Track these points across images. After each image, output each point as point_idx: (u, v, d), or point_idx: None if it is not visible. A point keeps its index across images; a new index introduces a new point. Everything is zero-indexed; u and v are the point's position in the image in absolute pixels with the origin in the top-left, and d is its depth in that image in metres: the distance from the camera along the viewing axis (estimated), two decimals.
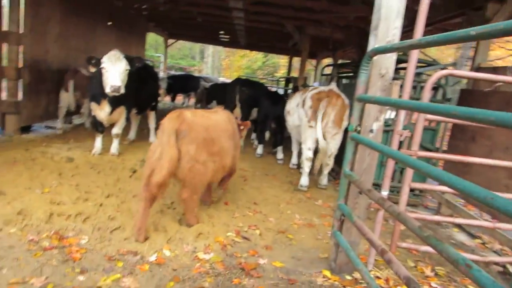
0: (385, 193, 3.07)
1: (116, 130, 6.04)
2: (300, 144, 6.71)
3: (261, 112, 7.18)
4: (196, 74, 22.22)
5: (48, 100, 7.61)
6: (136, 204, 4.10)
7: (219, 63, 42.78)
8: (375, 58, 2.97)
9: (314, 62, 18.46)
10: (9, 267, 2.64)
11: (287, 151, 7.50)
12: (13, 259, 2.75)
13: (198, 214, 4.03)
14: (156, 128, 7.52)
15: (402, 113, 3.14)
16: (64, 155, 5.71)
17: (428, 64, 5.45)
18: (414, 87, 5.29)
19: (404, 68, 5.46)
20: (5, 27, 6.58)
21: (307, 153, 5.37)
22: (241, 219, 4.10)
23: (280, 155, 7.11)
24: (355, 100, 3.06)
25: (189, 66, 34.75)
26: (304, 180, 5.47)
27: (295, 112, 5.79)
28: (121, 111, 5.87)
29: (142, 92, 6.39)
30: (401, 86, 3.16)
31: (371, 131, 3.12)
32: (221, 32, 15.92)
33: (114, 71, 5.17)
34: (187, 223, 3.69)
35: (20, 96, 6.86)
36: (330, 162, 5.54)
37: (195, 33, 17.00)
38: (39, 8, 6.98)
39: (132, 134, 7.41)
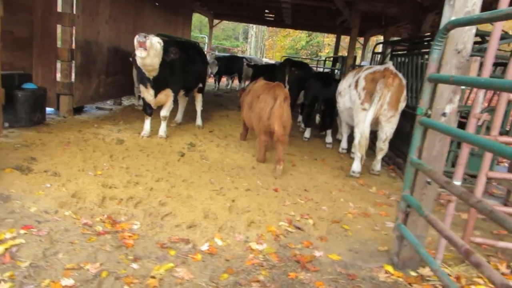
0: (458, 183, 2.76)
1: (164, 112, 6.01)
2: (350, 127, 6.40)
3: (310, 94, 6.89)
4: (239, 55, 22.03)
5: (99, 82, 7.74)
6: (185, 189, 4.05)
7: (262, 43, 42.24)
8: (451, 32, 2.63)
9: (361, 40, 17.67)
10: (64, 251, 2.64)
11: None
12: (68, 243, 2.75)
13: (248, 200, 3.91)
14: (203, 111, 7.56)
15: (481, 94, 2.79)
16: (115, 137, 5.78)
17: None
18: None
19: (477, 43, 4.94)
20: (59, 8, 6.68)
21: (360, 137, 5.07)
22: (293, 207, 3.93)
23: (329, 138, 6.83)
24: (425, 80, 2.74)
25: (233, 47, 34.56)
26: (356, 166, 5.19)
27: (347, 93, 5.46)
28: (168, 93, 5.82)
29: (189, 73, 6.30)
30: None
31: (444, 114, 2.79)
32: (267, 11, 15.53)
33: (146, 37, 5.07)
34: (280, 160, 4.98)
35: (73, 77, 7.01)
36: (385, 147, 5.20)
37: (240, 12, 16.72)
38: None
39: (179, 117, 7.39)
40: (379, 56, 8.67)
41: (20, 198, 3.40)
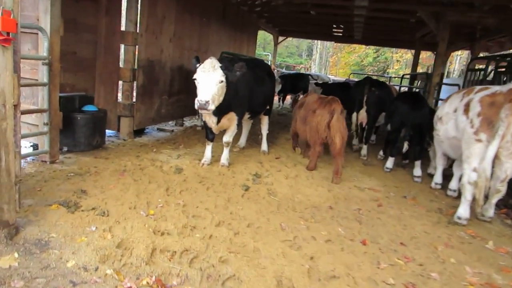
0: None
1: (227, 138, 5.37)
2: (447, 159, 5.30)
3: (396, 118, 5.87)
4: (305, 72, 21.31)
5: (160, 102, 7.37)
6: (251, 238, 3.29)
7: (327, 60, 41.23)
8: None
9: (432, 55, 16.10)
10: None
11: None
12: None
13: (332, 259, 3.05)
14: (268, 135, 6.87)
15: None
16: (173, 164, 5.23)
17: None
18: None
19: None
20: (123, 27, 6.41)
21: (471, 176, 4.00)
22: (390, 272, 3.00)
23: (418, 171, 5.74)
24: None
25: (297, 64, 33.99)
26: (464, 211, 4.11)
27: (451, 119, 4.41)
28: (231, 117, 5.17)
29: (256, 95, 5.63)
30: None
31: None
32: (335, 26, 14.70)
33: (204, 83, 4.43)
34: (338, 172, 5.31)
35: (134, 98, 6.68)
36: (503, 188, 4.07)
37: (306, 28, 16.08)
38: (155, 7, 6.70)
39: (242, 141, 6.75)
40: (477, 73, 7.40)
41: (59, 246, 2.86)
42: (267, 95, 6.14)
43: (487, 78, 6.52)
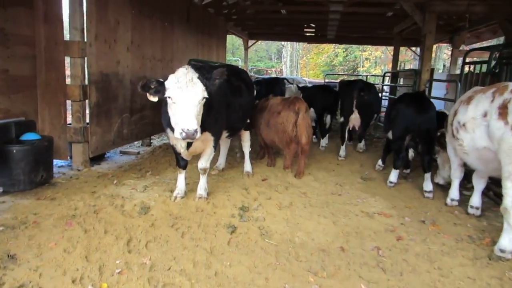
0: None
1: (203, 163, 4.38)
2: (463, 170, 4.52)
3: (399, 124, 5.05)
4: (276, 75, 20.52)
5: (121, 122, 6.28)
6: None
7: (297, 62, 40.74)
8: None
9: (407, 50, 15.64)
10: None
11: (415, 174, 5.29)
12: None
13: None
14: (251, 152, 5.94)
15: None
16: (138, 201, 4.20)
17: None
18: None
19: None
20: (66, 37, 5.32)
21: None
22: None
23: (428, 185, 4.92)
24: None
25: (268, 68, 33.24)
26: (509, 241, 3.28)
27: (479, 126, 3.59)
28: (206, 138, 4.17)
29: (234, 108, 4.68)
30: None
31: None
32: (306, 25, 13.95)
33: (185, 105, 3.39)
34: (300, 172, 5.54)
35: (87, 119, 5.59)
36: None
37: (276, 30, 15.28)
38: (105, 11, 5.65)
39: (221, 162, 5.77)
40: (477, 66, 6.69)
41: None
42: (247, 107, 5.19)
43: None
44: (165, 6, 7.65)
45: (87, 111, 5.53)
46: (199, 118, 3.48)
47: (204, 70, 3.80)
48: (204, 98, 3.46)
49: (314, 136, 8.19)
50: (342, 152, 6.94)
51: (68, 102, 5.44)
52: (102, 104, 5.68)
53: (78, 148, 5.45)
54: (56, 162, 5.52)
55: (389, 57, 29.79)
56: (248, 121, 5.51)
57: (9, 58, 4.82)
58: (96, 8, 5.43)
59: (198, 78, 3.47)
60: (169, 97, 3.43)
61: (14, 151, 4.44)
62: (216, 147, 4.42)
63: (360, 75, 22.17)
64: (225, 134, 4.74)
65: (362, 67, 37.58)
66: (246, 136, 5.63)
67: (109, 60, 5.84)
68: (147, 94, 3.54)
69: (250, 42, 17.10)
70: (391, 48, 14.97)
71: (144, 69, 6.96)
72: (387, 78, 13.40)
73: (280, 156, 6.42)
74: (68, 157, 5.57)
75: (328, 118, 7.82)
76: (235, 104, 4.67)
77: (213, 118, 4.03)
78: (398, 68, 12.90)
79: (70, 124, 5.49)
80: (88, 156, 5.56)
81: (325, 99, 7.78)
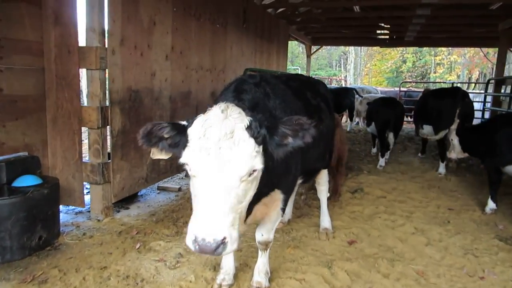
0: None
1: (263, 234, 2.68)
2: None
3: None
4: (342, 85, 18.52)
5: None
6: None
7: (361, 69, 38.10)
8: None
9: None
10: None
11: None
12: None
13: None
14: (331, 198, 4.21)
15: None
16: (167, 280, 2.64)
17: None
18: None
19: None
20: (82, 42, 3.97)
21: None
22: None
23: None
24: None
25: (329, 76, 31.10)
26: None
27: None
28: (274, 198, 2.49)
29: (314, 142, 2.95)
30: None
31: None
32: (381, 27, 11.92)
33: (211, 186, 1.67)
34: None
35: (109, 152, 4.20)
36: None
37: (344, 34, 13.40)
38: (136, 6, 4.27)
39: (287, 211, 4.08)
40: None
41: None
42: (329, 137, 3.45)
43: None
44: (216, 5, 6.20)
45: (109, 141, 4.14)
46: (240, 210, 1.78)
47: (264, 108, 2.29)
48: (253, 171, 1.76)
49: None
50: (442, 169, 6.41)
51: (84, 130, 4.09)
52: (129, 131, 4.26)
53: (97, 192, 4.06)
54: (73, 208, 4.21)
55: (474, 61, 26.41)
56: (328, 155, 3.77)
57: (3, 73, 3.54)
58: (123, 3, 4.06)
59: (249, 128, 1.74)
60: (186, 164, 1.78)
61: None
62: (285, 208, 2.73)
63: (454, 82, 19.11)
64: (299, 180, 3.03)
65: (434, 73, 34.14)
66: (323, 177, 3.89)
67: (140, 71, 4.44)
68: (152, 150, 1.94)
69: (313, 49, 15.33)
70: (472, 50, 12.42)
71: (188, 82, 5.51)
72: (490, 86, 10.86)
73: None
74: (84, 203, 4.20)
75: (390, 136, 7.06)
76: (314, 136, 2.96)
77: (284, 166, 2.35)
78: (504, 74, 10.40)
79: (87, 159, 4.13)
80: (110, 202, 4.15)
81: (388, 113, 6.87)
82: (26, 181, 3.43)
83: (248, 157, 1.69)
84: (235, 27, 7.03)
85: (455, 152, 5.21)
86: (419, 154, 7.81)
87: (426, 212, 4.50)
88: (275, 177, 2.27)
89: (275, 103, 2.47)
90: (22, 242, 3.21)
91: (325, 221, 3.87)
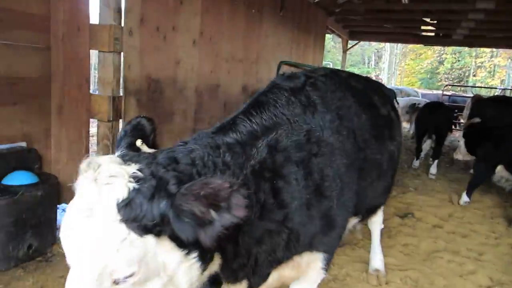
0: None
1: None
2: None
3: None
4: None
5: None
6: None
7: (395, 68, 36.58)
8: None
9: None
10: None
11: None
12: None
13: None
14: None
15: None
16: None
17: None
18: None
19: None
20: (94, 19, 3.37)
21: None
22: None
23: None
24: None
25: (362, 74, 29.89)
26: None
27: None
28: (308, 260, 1.75)
29: (379, 170, 2.19)
30: None
31: None
32: (429, 20, 10.90)
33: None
34: None
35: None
36: None
37: (384, 28, 12.43)
38: None
39: None
40: None
41: None
42: (396, 158, 2.57)
43: None
44: None
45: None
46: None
47: (284, 137, 1.64)
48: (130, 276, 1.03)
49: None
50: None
51: (92, 122, 3.51)
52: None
53: None
54: None
55: None
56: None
57: (1, 51, 2.98)
58: None
59: (123, 204, 1.02)
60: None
61: None
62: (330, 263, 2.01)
63: (501, 88, 17.59)
64: (353, 221, 2.28)
65: (474, 76, 32.33)
66: (378, 212, 3.12)
67: (162, 57, 3.82)
68: None
69: (349, 43, 14.40)
70: None
71: (217, 73, 4.86)
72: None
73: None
74: None
75: (427, 144, 6.77)
76: (380, 161, 2.18)
77: (319, 219, 1.65)
78: None
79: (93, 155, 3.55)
80: None
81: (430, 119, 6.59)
82: (19, 178, 2.90)
83: (106, 252, 0.99)
84: (271, 14, 6.32)
85: (461, 153, 5.35)
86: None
87: (498, 254, 3.66)
88: (308, 228, 1.63)
89: (322, 120, 1.77)
90: (7, 252, 2.70)
91: (377, 260, 3.13)
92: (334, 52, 29.08)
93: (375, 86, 2.66)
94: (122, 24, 3.29)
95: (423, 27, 11.87)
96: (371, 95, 2.38)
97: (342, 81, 2.20)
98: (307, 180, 1.62)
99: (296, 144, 1.62)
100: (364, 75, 3.10)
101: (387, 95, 2.68)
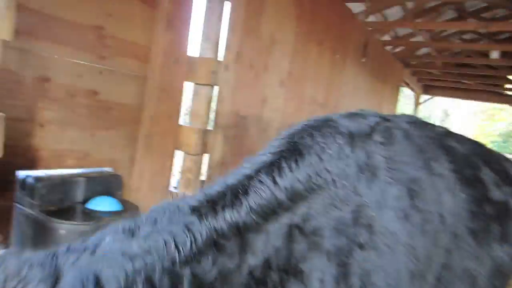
0: None
1: None
2: None
3: None
4: None
5: None
6: None
7: (465, 129, 34.70)
8: None
9: None
10: None
11: None
12: None
13: None
14: None
15: None
16: None
17: None
18: None
19: None
20: (192, 50, 3.38)
21: None
22: None
23: None
24: None
25: None
26: None
27: None
28: None
29: None
30: None
31: None
32: None
33: None
34: None
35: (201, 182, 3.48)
36: None
37: (462, 84, 11.85)
38: (258, 18, 3.63)
39: None
40: None
41: None
42: (501, 277, 1.51)
43: None
44: (339, 31, 5.42)
45: (204, 172, 3.43)
46: None
47: None
48: None
49: None
50: None
51: (178, 154, 3.44)
52: (228, 163, 3.52)
53: None
54: None
55: None
56: None
57: (102, 75, 3.04)
58: (245, 12, 3.43)
59: None
60: None
61: (61, 231, 2.47)
62: None
63: None
64: None
65: None
66: None
67: (251, 95, 3.74)
68: None
69: (423, 98, 13.86)
70: None
71: (299, 115, 4.71)
72: None
73: None
74: None
75: None
76: (474, 274, 1.38)
77: None
78: None
79: (175, 188, 3.46)
80: None
81: None
82: (104, 204, 2.81)
83: None
84: (353, 61, 6.18)
85: None
86: None
87: None
88: None
89: (383, 193, 1.16)
90: None
91: None
92: (399, 105, 28.25)
93: (488, 154, 1.85)
94: (219, 59, 3.26)
95: (507, 85, 11.18)
96: (479, 166, 1.62)
97: (436, 137, 1.56)
98: (339, 286, 1.01)
99: (335, 224, 1.04)
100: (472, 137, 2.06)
101: (507, 171, 1.79)
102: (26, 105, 2.52)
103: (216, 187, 1.01)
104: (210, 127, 3.34)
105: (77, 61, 2.82)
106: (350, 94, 6.23)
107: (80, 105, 2.88)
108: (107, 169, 3.14)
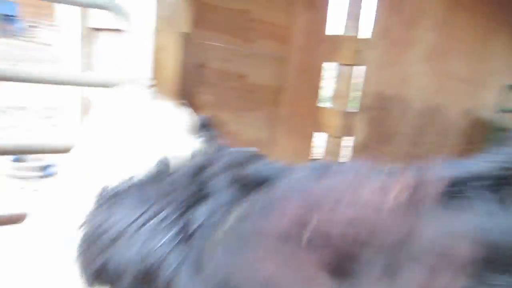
0: None
1: None
2: None
3: None
4: None
5: None
6: None
7: None
8: None
9: None
10: None
11: None
12: None
13: None
14: None
15: None
16: None
17: None
18: None
19: None
20: (338, 29, 3.26)
21: None
22: None
23: None
24: None
25: None
26: None
27: None
28: None
29: None
30: None
31: None
32: None
33: None
34: None
35: None
36: None
37: None
38: None
39: None
40: None
41: None
42: None
43: None
44: None
45: (346, 155, 3.35)
46: None
47: None
48: None
49: None
50: None
51: (317, 136, 3.41)
52: (370, 146, 3.38)
53: None
54: None
55: None
56: None
57: (248, 58, 3.13)
58: None
59: None
60: None
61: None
62: None
63: None
64: None
65: None
66: None
67: (393, 74, 3.50)
68: None
69: None
70: None
71: (441, 94, 4.28)
72: None
73: None
74: None
75: None
76: None
77: None
78: None
79: None
80: None
81: None
82: None
83: None
84: (505, 31, 5.35)
85: None
86: None
87: None
88: None
89: None
90: None
91: None
92: None
93: None
94: (363, 36, 3.09)
95: None
96: None
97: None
98: None
99: None
100: None
101: None
102: (188, 90, 2.71)
103: None
104: (351, 108, 3.23)
105: (227, 46, 2.93)
106: (500, 71, 5.43)
107: (230, 89, 3.01)
108: (253, 149, 3.26)
